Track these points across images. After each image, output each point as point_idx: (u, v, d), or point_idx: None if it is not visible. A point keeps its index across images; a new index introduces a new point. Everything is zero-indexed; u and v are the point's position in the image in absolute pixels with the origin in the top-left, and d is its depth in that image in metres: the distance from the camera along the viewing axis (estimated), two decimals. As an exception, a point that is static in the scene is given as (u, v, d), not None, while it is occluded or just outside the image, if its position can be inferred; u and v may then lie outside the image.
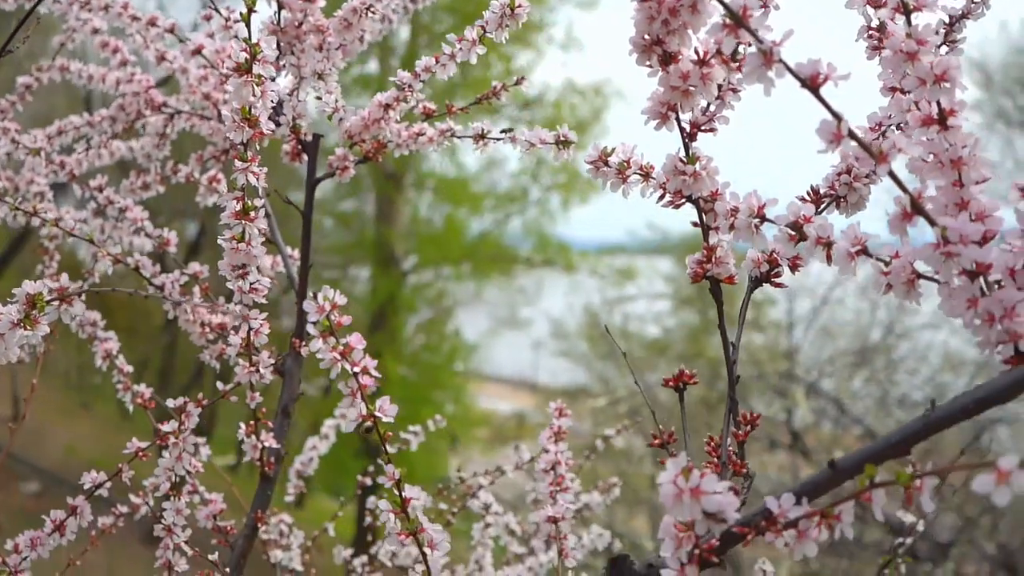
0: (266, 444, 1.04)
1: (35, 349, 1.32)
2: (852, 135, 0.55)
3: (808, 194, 0.75)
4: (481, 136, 1.03)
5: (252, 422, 1.03)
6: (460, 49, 0.96)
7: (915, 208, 0.56)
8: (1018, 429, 6.62)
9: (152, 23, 1.18)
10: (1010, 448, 6.45)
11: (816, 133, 0.56)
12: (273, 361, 0.99)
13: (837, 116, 0.55)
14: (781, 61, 0.55)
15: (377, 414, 0.69)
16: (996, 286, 0.57)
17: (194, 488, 1.10)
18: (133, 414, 1.18)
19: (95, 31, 1.27)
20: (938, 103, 0.59)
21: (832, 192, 0.75)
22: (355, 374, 0.68)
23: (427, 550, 0.71)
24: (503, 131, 1.00)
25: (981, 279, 0.58)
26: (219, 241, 0.88)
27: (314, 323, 0.67)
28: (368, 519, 1.47)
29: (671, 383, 0.75)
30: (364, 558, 1.42)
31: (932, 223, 0.56)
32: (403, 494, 0.71)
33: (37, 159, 1.20)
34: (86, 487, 0.99)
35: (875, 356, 7.38)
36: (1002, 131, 9.18)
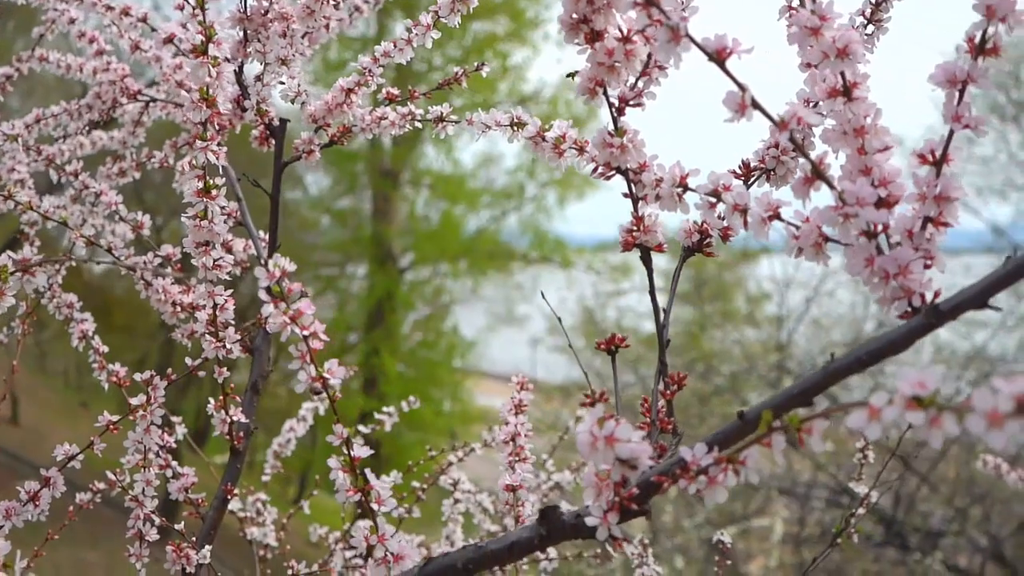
0: (235, 419, 1.08)
1: (13, 331, 1.35)
2: (755, 105, 0.59)
3: (739, 167, 0.79)
4: (440, 119, 1.07)
5: (221, 397, 1.07)
6: (416, 34, 1.00)
7: (816, 173, 0.60)
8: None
9: (125, 12, 1.22)
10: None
11: (722, 103, 0.59)
12: (239, 336, 1.02)
13: (742, 87, 0.59)
14: (688, 36, 0.58)
15: (325, 375, 0.73)
16: (898, 247, 0.61)
17: (167, 463, 1.13)
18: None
19: (72, 21, 1.31)
20: (842, 75, 0.62)
21: (761, 165, 0.78)
22: (305, 338, 0.72)
23: (374, 506, 0.75)
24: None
25: (883, 240, 0.61)
26: (183, 219, 0.91)
27: (265, 289, 0.71)
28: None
29: (603, 346, 0.79)
30: (337, 534, 1.47)
31: (831, 187, 0.59)
32: (352, 453, 0.75)
33: (15, 145, 1.24)
34: (58, 459, 1.02)
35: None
36: (996, 125, 9.22)
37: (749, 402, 7.14)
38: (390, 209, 11.61)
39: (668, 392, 0.72)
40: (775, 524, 6.54)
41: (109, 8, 1.23)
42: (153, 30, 1.24)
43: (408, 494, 1.44)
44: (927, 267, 0.60)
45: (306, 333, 0.72)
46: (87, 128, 1.40)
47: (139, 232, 1.23)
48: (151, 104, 1.35)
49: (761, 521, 6.67)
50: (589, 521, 0.63)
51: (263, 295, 0.71)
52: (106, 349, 1.24)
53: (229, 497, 1.10)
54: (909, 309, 0.59)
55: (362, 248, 11.52)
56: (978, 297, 0.55)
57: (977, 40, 0.60)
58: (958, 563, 6.19)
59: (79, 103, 1.34)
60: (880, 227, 0.59)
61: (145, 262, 1.14)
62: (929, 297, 0.59)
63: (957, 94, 0.60)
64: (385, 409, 1.50)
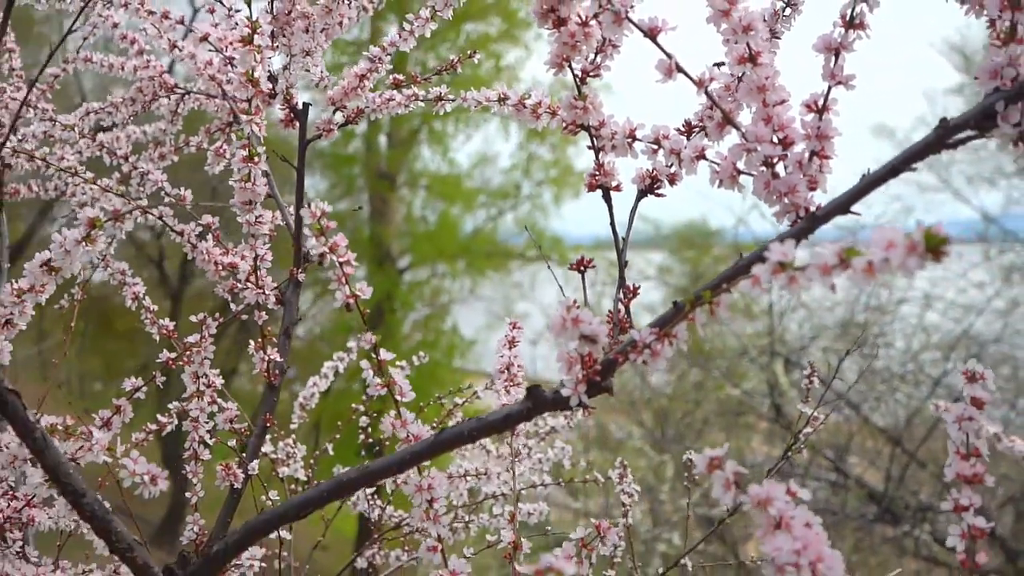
0: (272, 358, 1.27)
1: (72, 298, 1.55)
2: (679, 69, 0.78)
3: (682, 125, 0.98)
4: (439, 98, 1.27)
5: (260, 339, 1.26)
6: (417, 25, 1.21)
7: (726, 119, 0.79)
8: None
9: (165, 16, 1.41)
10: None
11: (654, 68, 0.79)
12: (276, 285, 1.22)
13: (669, 55, 0.78)
14: (627, 18, 0.78)
15: (357, 292, 0.92)
16: (789, 175, 0.81)
17: (213, 399, 1.32)
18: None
19: (115, 25, 1.50)
20: (748, 45, 0.82)
21: (700, 124, 0.98)
22: (340, 264, 0.92)
23: (398, 397, 0.94)
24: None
25: (781, 169, 0.81)
26: (230, 182, 1.11)
27: (308, 225, 0.90)
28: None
29: (574, 267, 0.99)
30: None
31: (737, 128, 0.79)
32: (379, 356, 0.94)
33: (71, 133, 1.44)
34: (127, 390, 1.21)
35: (859, 332, 7.63)
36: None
37: (742, 386, 7.37)
38: (387, 211, 11.80)
39: (626, 300, 0.92)
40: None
41: (151, 12, 1.42)
42: (189, 30, 1.44)
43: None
44: (812, 189, 0.79)
45: (341, 260, 0.91)
46: (129, 120, 1.59)
47: (182, 204, 1.43)
48: (186, 96, 1.55)
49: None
50: (564, 392, 0.83)
51: (306, 231, 0.91)
52: (155, 308, 1.44)
53: (268, 424, 1.29)
54: (797, 220, 0.78)
55: (360, 250, 11.68)
56: (843, 205, 0.75)
57: (848, 17, 0.80)
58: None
59: (123, 96, 1.54)
60: (776, 159, 0.79)
61: (190, 231, 1.33)
62: (813, 211, 0.78)
63: (833, 57, 0.80)
64: (399, 364, 1.68)
